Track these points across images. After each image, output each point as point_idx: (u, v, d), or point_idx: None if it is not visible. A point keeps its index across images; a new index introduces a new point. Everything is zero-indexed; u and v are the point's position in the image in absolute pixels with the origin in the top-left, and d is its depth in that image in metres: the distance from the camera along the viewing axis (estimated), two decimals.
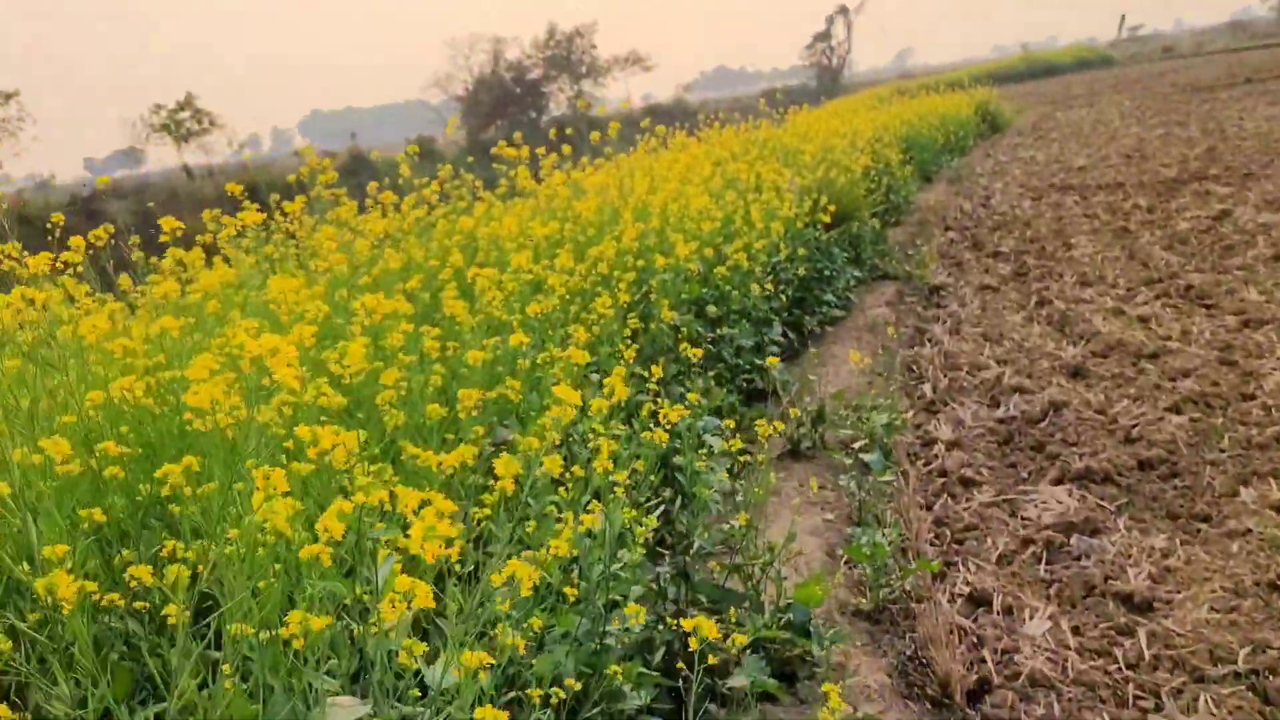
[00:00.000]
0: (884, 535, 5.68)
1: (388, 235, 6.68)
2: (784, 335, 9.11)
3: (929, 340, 10.00)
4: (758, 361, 7.92)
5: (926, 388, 8.56)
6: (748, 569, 4.20)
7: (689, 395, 4.40)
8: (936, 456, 7.16)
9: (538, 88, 71.00)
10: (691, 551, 4.15)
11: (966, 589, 5.32)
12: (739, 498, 5.58)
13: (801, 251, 9.23)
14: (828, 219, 10.17)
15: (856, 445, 6.88)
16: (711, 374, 7.05)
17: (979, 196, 18.91)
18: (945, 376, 8.79)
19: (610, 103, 76.79)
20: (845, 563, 5.42)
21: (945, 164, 22.56)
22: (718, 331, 7.45)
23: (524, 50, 72.22)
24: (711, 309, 7.25)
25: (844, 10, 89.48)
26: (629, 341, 5.47)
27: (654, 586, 4.09)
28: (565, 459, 4.19)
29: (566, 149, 8.18)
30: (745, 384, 7.85)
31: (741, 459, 4.24)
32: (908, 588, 5.14)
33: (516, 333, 3.90)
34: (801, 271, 9.36)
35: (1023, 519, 6.09)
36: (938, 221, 16.47)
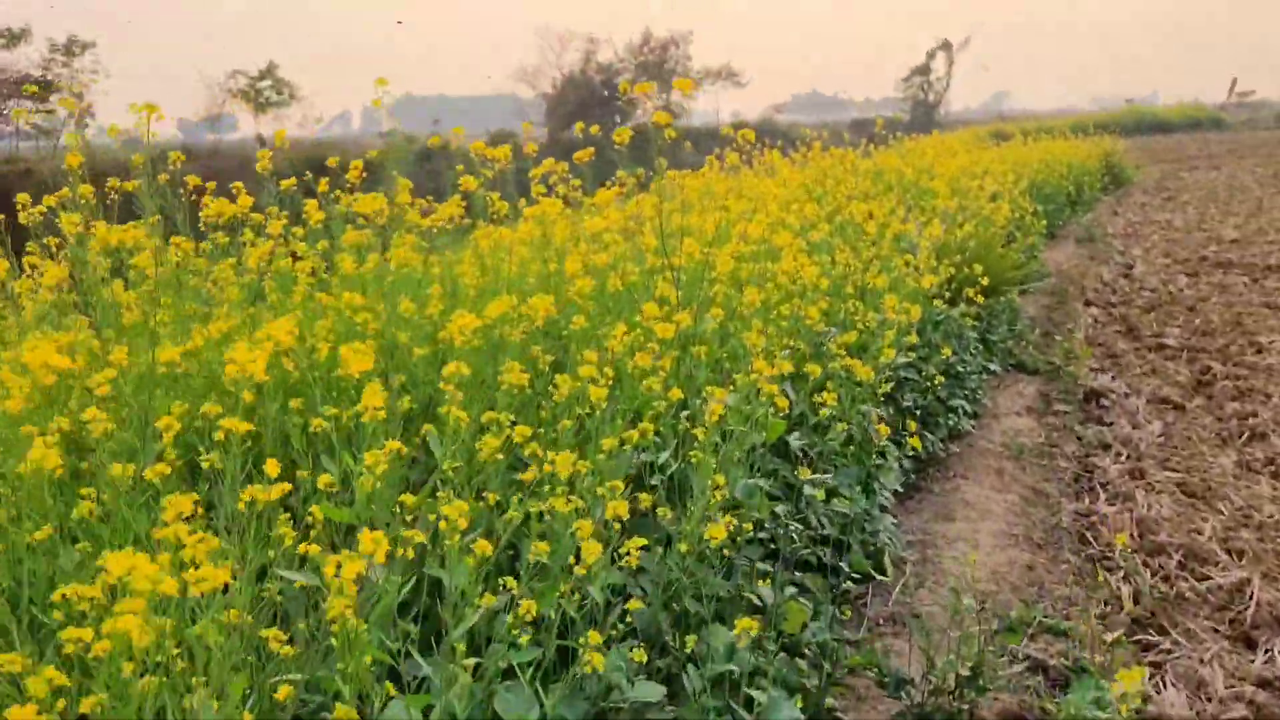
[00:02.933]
0: None
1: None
2: (899, 465, 5.92)
3: (1103, 486, 6.73)
4: (858, 523, 4.76)
5: (1123, 588, 5.31)
6: None
7: None
8: None
9: (626, 93, 68.04)
10: None
11: None
12: None
13: (945, 352, 6.04)
14: (980, 297, 6.97)
15: None
16: (779, 562, 3.90)
17: (1118, 264, 15.50)
18: (1146, 567, 5.54)
19: (700, 115, 73.44)
20: None
21: (1070, 220, 19.11)
22: (804, 490, 4.28)
23: (617, 53, 69.34)
24: (802, 471, 4.09)
25: (947, 45, 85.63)
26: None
27: None
28: None
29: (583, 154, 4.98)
30: (837, 563, 4.68)
31: None
32: None
33: None
34: (938, 379, 6.12)
35: None
36: (1076, 292, 13.09)
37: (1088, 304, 12.56)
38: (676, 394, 3.16)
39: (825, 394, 4.19)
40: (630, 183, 5.08)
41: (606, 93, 67.42)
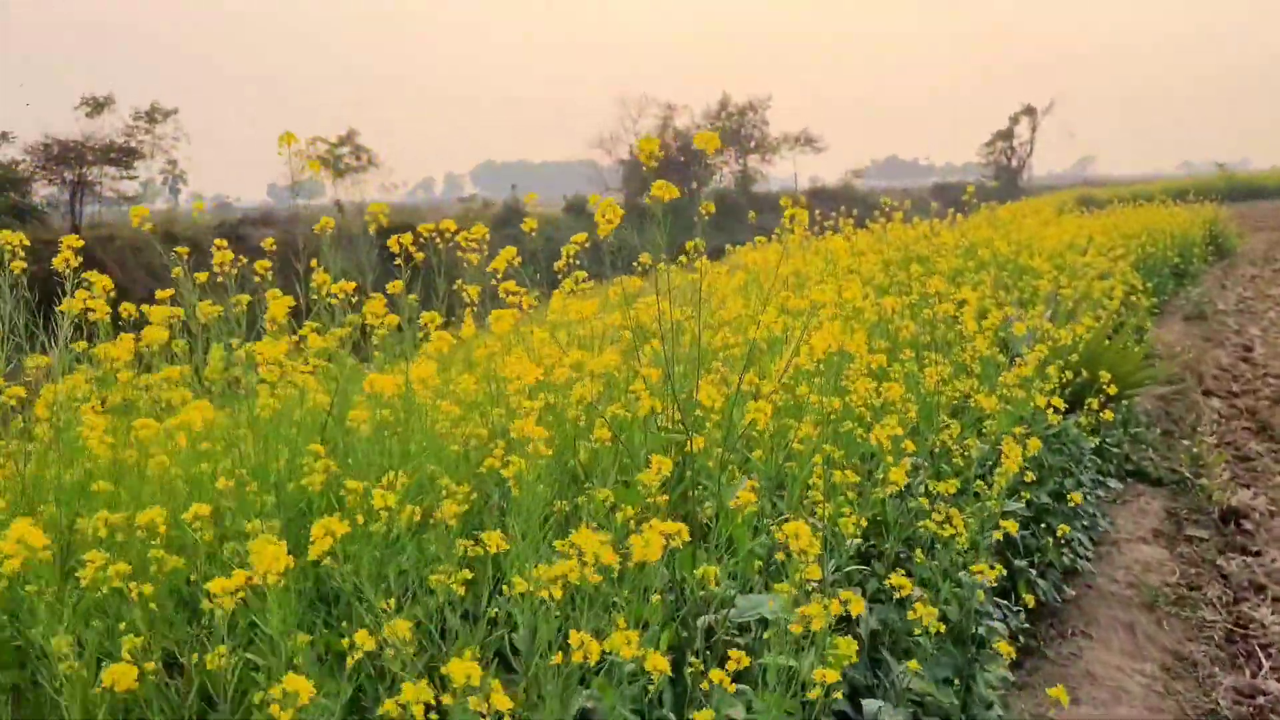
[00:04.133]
0: None
1: None
2: (1003, 621, 4.57)
3: (1264, 650, 5.29)
4: None
5: None
6: None
7: None
8: None
9: (702, 158, 67.44)
10: None
11: None
12: None
13: (1075, 499, 4.72)
14: (1108, 413, 5.61)
15: None
16: None
17: (1235, 345, 13.88)
18: None
19: (778, 181, 72.52)
20: None
21: (1176, 294, 17.48)
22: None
23: (694, 119, 68.75)
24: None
25: (1031, 110, 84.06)
26: None
27: None
28: None
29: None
30: None
31: None
32: None
33: None
34: (1063, 529, 4.76)
35: None
36: (1193, 380, 11.55)
37: (1207, 393, 11.01)
38: (660, 666, 1.92)
39: (909, 582, 2.90)
40: (661, 269, 3.89)
41: (683, 158, 66.67)
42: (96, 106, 42.36)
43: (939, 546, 3.44)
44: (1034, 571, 5.03)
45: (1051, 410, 5.01)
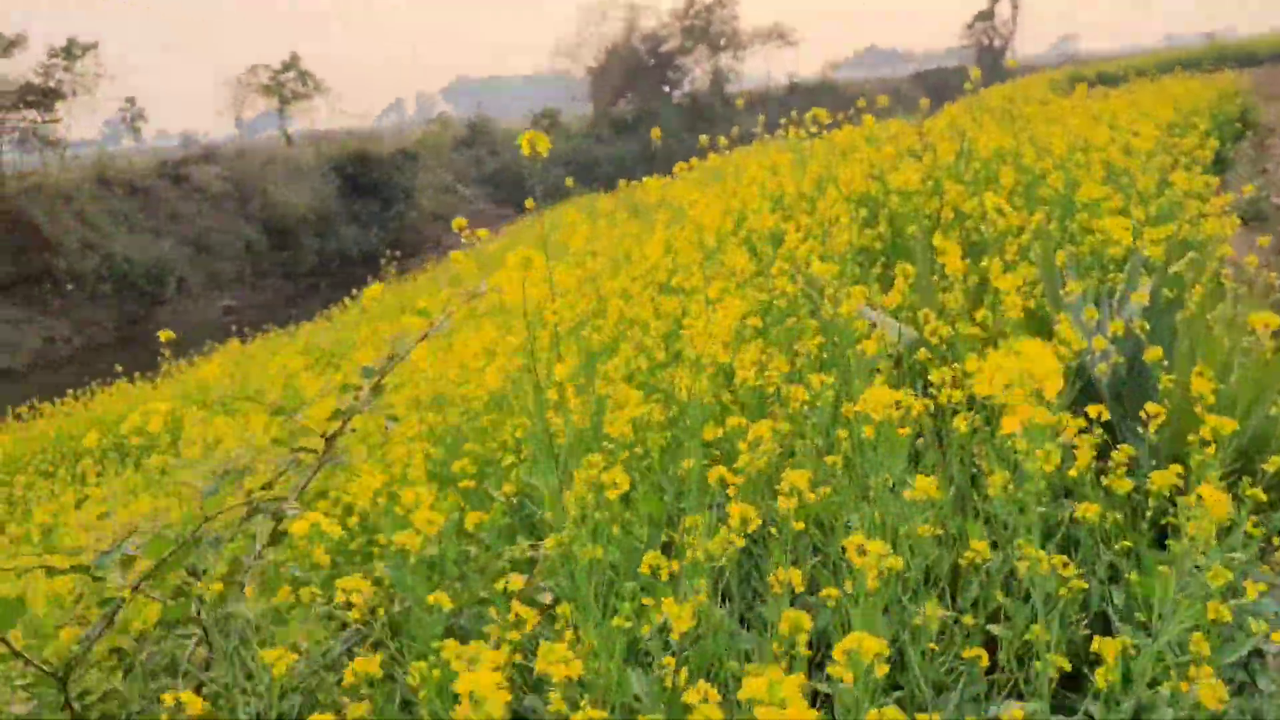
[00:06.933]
0: None
1: None
2: None
3: None
4: None
5: None
6: None
7: None
8: None
9: (672, 60, 63.07)
10: None
11: None
12: None
13: None
14: None
15: None
16: None
17: None
18: None
19: (750, 80, 68.00)
20: None
21: (1221, 185, 14.15)
22: None
23: (660, 19, 64.13)
24: None
25: None
26: None
27: None
28: None
29: None
30: None
31: None
32: None
33: None
34: None
35: None
36: None
37: None
38: None
39: None
40: None
41: (653, 61, 62.30)
42: (6, 46, 38.12)
43: None
44: None
45: None
